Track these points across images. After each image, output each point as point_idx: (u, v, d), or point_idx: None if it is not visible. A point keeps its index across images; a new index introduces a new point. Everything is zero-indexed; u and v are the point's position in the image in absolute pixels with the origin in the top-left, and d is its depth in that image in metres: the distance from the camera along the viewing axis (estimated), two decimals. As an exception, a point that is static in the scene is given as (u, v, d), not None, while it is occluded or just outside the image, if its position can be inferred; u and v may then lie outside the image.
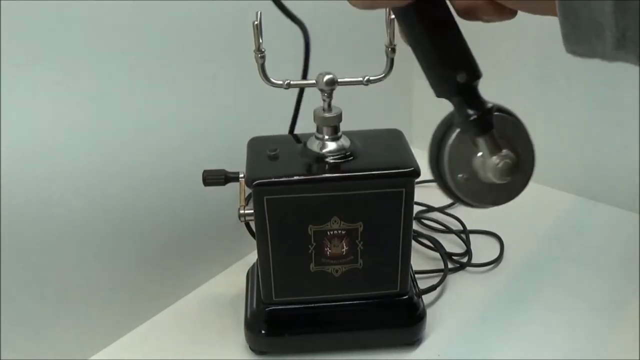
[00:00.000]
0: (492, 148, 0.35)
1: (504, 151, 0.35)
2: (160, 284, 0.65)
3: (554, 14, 0.29)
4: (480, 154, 0.35)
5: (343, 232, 0.55)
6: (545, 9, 0.30)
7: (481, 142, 0.35)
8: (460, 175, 0.37)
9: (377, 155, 0.55)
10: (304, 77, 0.56)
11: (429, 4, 0.33)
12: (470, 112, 0.34)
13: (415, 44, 0.35)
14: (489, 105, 0.34)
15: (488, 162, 0.35)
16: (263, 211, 0.53)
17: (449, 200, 0.83)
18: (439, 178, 0.38)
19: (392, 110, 0.85)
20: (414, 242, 0.68)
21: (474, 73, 0.34)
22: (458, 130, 0.35)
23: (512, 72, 0.81)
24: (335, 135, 0.54)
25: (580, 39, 0.28)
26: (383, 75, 0.54)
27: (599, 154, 0.81)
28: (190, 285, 0.69)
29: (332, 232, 0.54)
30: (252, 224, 0.55)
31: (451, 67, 0.34)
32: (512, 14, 0.35)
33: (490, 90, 0.36)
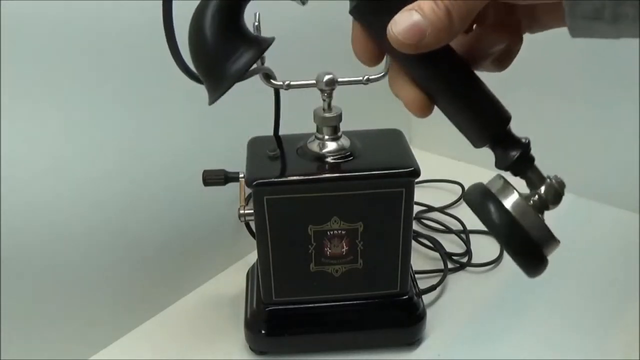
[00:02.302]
0: (541, 177, 0.35)
1: (550, 175, 0.35)
2: (160, 284, 0.65)
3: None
4: (528, 192, 0.35)
5: (343, 232, 0.55)
6: None
7: (532, 176, 0.35)
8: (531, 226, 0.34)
9: (377, 155, 0.55)
10: (276, 132, 0.58)
11: (452, 54, 0.33)
12: (514, 153, 0.34)
13: (452, 102, 0.34)
14: (524, 139, 0.35)
15: (548, 190, 0.34)
16: (263, 211, 0.53)
17: (448, 200, 0.84)
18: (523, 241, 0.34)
19: (392, 110, 0.84)
20: (414, 242, 0.68)
21: (509, 115, 0.34)
22: (509, 188, 0.34)
23: (511, 72, 0.81)
24: (335, 135, 0.54)
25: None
26: (383, 74, 0.54)
27: (599, 154, 0.81)
28: (190, 285, 0.69)
29: (332, 232, 0.54)
30: (252, 224, 0.55)
31: (498, 118, 0.34)
32: (519, 38, 0.36)
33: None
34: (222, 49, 0.38)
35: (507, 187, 0.34)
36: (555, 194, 0.34)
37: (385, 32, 0.30)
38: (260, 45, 0.40)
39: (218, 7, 0.38)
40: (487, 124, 0.34)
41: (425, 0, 0.29)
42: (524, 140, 0.35)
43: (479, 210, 0.34)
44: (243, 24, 0.40)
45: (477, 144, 0.35)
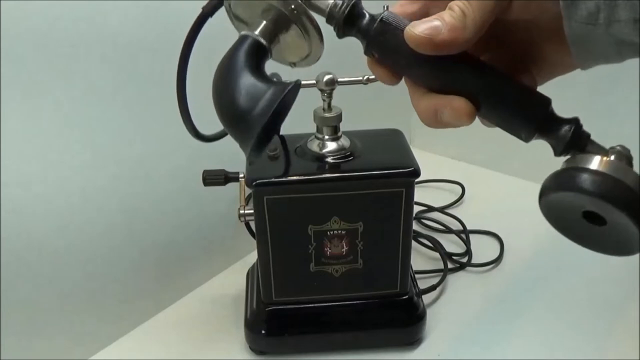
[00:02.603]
0: (604, 149, 0.32)
1: (615, 147, 0.31)
2: (160, 284, 0.65)
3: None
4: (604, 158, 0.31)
5: (343, 232, 0.55)
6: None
7: (594, 150, 0.32)
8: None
9: (377, 155, 0.55)
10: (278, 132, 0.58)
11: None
12: (567, 127, 0.32)
13: (489, 99, 0.33)
14: (568, 117, 0.33)
15: (618, 158, 0.31)
16: (263, 211, 0.53)
17: (448, 200, 0.84)
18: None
19: (392, 110, 0.85)
20: (414, 242, 0.67)
21: (548, 99, 0.34)
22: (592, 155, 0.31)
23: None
24: (335, 135, 0.54)
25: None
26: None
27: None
28: (190, 285, 0.69)
29: (332, 232, 0.54)
30: (252, 224, 0.55)
31: (537, 102, 0.34)
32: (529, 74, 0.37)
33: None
34: (245, 102, 0.37)
35: (584, 155, 0.30)
36: (628, 160, 0.30)
37: (403, 58, 0.32)
38: (281, 86, 0.37)
39: (242, 64, 0.37)
40: (529, 110, 0.33)
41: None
42: (571, 118, 0.33)
43: (569, 186, 0.29)
44: (264, 72, 0.39)
45: (527, 137, 0.33)
